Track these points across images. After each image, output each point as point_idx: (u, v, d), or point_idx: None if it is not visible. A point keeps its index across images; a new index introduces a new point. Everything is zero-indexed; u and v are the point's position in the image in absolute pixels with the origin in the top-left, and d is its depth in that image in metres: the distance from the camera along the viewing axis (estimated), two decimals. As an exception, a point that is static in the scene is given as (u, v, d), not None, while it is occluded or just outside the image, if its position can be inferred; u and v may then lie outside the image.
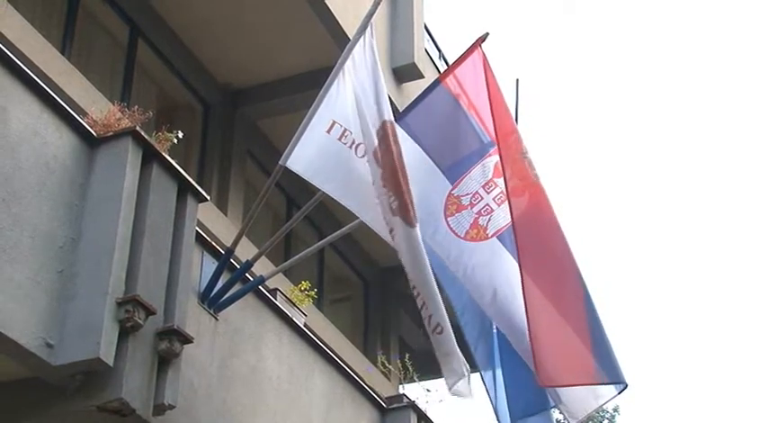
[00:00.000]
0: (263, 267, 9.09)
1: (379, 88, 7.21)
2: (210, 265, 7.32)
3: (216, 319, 7.24)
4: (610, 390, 7.28)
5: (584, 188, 49.32)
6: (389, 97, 7.45)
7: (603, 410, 23.27)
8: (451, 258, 7.66)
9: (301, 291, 10.52)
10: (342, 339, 14.36)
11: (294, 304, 9.65)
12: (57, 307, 5.89)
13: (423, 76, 14.63)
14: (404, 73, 14.68)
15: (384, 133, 6.93)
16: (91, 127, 6.54)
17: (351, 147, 7.15)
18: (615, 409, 23.98)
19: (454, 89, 7.92)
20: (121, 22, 12.30)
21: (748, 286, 50.96)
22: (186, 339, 6.41)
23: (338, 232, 8.22)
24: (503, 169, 7.49)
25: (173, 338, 6.30)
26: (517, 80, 9.06)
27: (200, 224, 7.37)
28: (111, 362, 5.84)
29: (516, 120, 8.18)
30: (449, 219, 7.79)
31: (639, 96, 53.61)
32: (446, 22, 18.19)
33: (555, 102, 46.87)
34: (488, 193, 7.82)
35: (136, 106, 7.12)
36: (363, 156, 7.12)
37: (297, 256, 9.07)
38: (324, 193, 7.19)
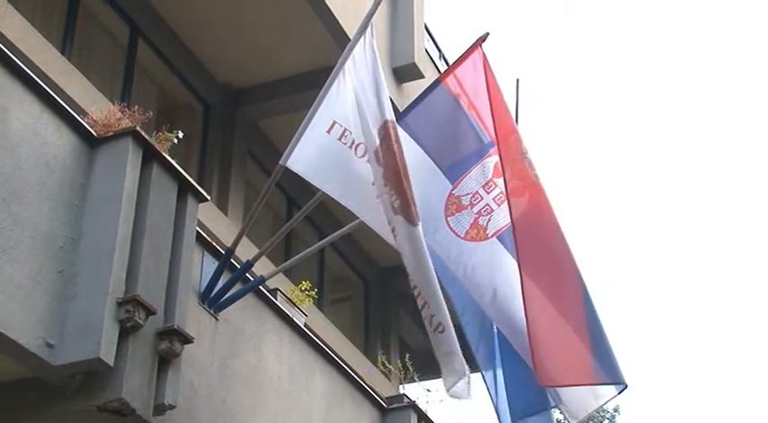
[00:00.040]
0: (263, 267, 9.09)
1: (380, 88, 7.21)
2: (211, 265, 7.32)
3: (216, 319, 7.24)
4: (610, 390, 7.28)
5: (584, 188, 49.34)
6: (390, 97, 7.45)
7: (604, 410, 23.26)
8: (451, 258, 7.66)
9: (302, 291, 10.52)
10: (342, 339, 14.36)
11: (294, 304, 9.65)
12: (57, 307, 5.89)
13: (423, 76, 14.63)
14: (404, 73, 14.68)
15: (386, 133, 6.92)
16: (91, 127, 6.54)
17: (351, 147, 7.15)
18: (615, 410, 23.97)
19: (454, 89, 7.92)
20: (122, 22, 12.30)
21: (748, 286, 50.98)
22: (186, 339, 6.41)
23: (338, 232, 8.22)
24: (502, 169, 7.49)
25: (173, 338, 6.30)
26: (517, 80, 9.07)
27: (200, 224, 7.37)
28: (111, 362, 5.84)
29: (516, 120, 8.18)
30: (449, 219, 7.79)
31: (639, 96, 53.64)
32: (446, 22, 18.19)
33: (555, 102, 46.89)
34: (488, 193, 7.82)
35: (136, 106, 7.12)
36: (363, 156, 7.12)
37: (297, 256, 9.07)
38: (324, 193, 7.19)
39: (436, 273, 6.67)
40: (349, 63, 7.31)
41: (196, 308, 7.01)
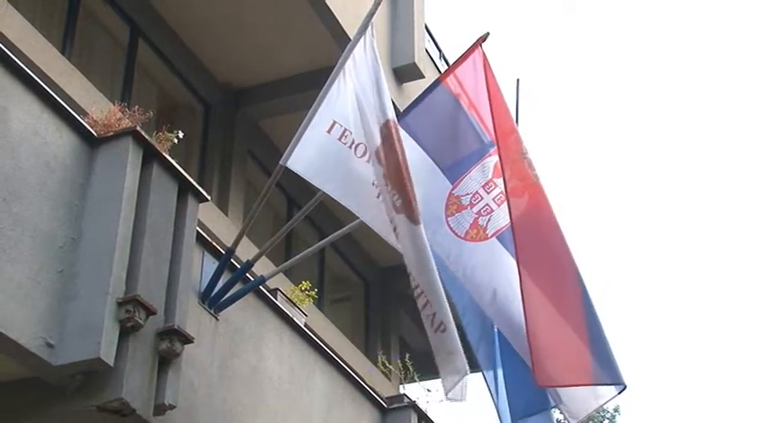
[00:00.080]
0: (263, 267, 9.09)
1: (381, 88, 7.21)
2: (211, 265, 7.32)
3: (216, 318, 7.24)
4: (610, 390, 7.28)
5: (584, 188, 49.34)
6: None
7: (604, 410, 23.27)
8: (451, 258, 7.66)
9: (302, 291, 10.51)
10: (342, 339, 14.36)
11: (295, 304, 9.65)
12: (57, 307, 5.89)
13: (423, 76, 14.63)
14: (404, 73, 14.68)
15: (387, 132, 6.92)
16: (91, 127, 6.54)
17: (351, 147, 7.15)
18: (616, 410, 23.99)
19: (455, 89, 7.92)
20: (122, 22, 12.30)
21: (748, 286, 50.98)
22: (187, 339, 6.40)
23: (339, 232, 8.22)
24: (502, 170, 7.50)
25: (173, 338, 6.30)
26: (517, 80, 9.07)
27: (200, 224, 7.37)
28: (111, 362, 5.84)
29: (516, 120, 8.19)
30: (449, 219, 7.79)
31: (639, 96, 53.64)
32: (446, 22, 18.20)
33: (555, 102, 46.89)
34: (488, 194, 7.82)
35: (136, 106, 7.12)
36: (363, 156, 7.12)
37: (297, 256, 9.07)
38: (324, 193, 7.19)
39: (438, 272, 6.66)
40: (349, 63, 7.31)
41: (196, 308, 7.01)
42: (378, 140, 6.94)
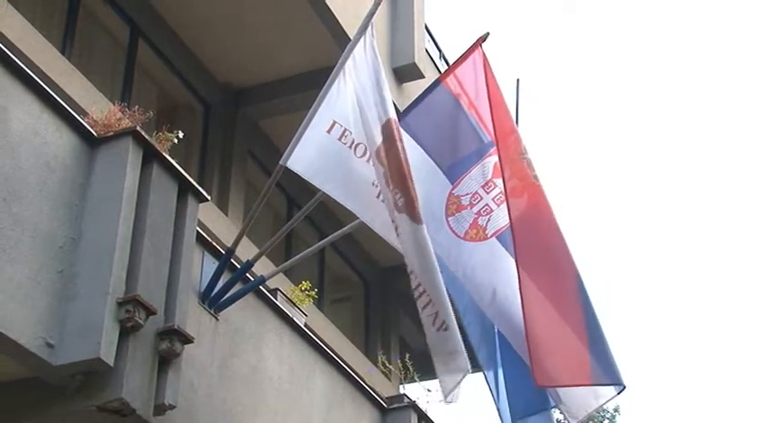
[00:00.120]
0: (263, 267, 9.09)
1: (382, 87, 7.21)
2: (211, 265, 7.32)
3: (216, 319, 7.24)
4: (609, 390, 7.29)
5: (584, 188, 49.34)
6: (390, 97, 7.44)
7: (604, 410, 23.27)
8: (451, 258, 7.66)
9: (302, 291, 10.52)
10: (342, 339, 14.36)
11: (295, 304, 9.65)
12: (57, 307, 5.89)
13: (423, 76, 14.63)
14: (404, 73, 14.68)
15: (388, 131, 6.93)
16: (91, 127, 6.54)
17: (351, 147, 7.15)
18: (616, 410, 23.99)
19: (455, 89, 7.93)
20: (122, 22, 12.30)
21: (748, 286, 50.98)
22: (187, 339, 6.40)
23: (339, 232, 8.22)
24: (501, 170, 7.50)
25: (173, 338, 6.30)
26: (517, 80, 9.08)
27: (200, 224, 7.37)
28: (111, 362, 5.84)
29: (516, 120, 8.19)
30: (449, 219, 7.79)
31: (639, 96, 53.64)
32: (446, 22, 18.19)
33: (555, 102, 46.89)
34: (488, 194, 7.82)
35: (136, 106, 7.12)
36: (363, 156, 7.12)
37: (297, 256, 9.07)
38: (324, 193, 7.19)
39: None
40: (349, 63, 7.31)
41: (196, 308, 7.01)
42: (379, 140, 6.94)
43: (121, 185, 6.31)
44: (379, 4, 7.47)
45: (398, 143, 6.85)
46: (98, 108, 7.26)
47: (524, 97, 9.01)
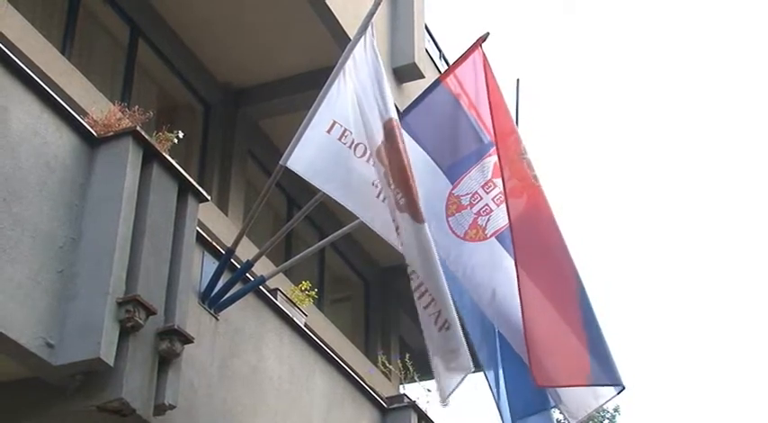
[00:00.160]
0: (263, 267, 9.09)
1: (382, 87, 7.21)
2: (211, 265, 7.32)
3: (216, 319, 7.24)
4: (609, 390, 7.29)
5: (584, 188, 49.34)
6: (390, 97, 7.44)
7: (604, 410, 23.27)
8: (451, 258, 7.66)
9: (302, 291, 10.52)
10: (342, 339, 14.36)
11: (295, 304, 9.65)
12: (57, 307, 5.89)
13: (423, 77, 14.63)
14: (404, 73, 14.68)
15: (389, 131, 6.93)
16: (91, 127, 6.54)
17: (350, 147, 7.15)
18: (616, 410, 23.99)
19: (455, 89, 7.93)
20: (122, 22, 12.30)
21: (748, 286, 50.98)
22: (187, 339, 6.40)
23: (339, 232, 8.22)
24: (501, 170, 7.50)
25: (173, 338, 6.30)
26: (517, 80, 9.07)
27: (200, 224, 7.37)
28: (111, 362, 5.84)
29: (516, 120, 8.18)
30: (449, 219, 7.80)
31: (639, 96, 53.64)
32: (446, 22, 18.19)
33: (555, 102, 46.88)
34: (487, 194, 7.82)
35: (136, 106, 7.12)
36: (363, 156, 7.12)
37: (297, 256, 9.07)
38: (324, 193, 7.19)
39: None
40: (349, 63, 7.31)
41: (196, 308, 7.01)
42: (379, 139, 6.95)
43: (121, 185, 6.31)
44: (379, 4, 7.47)
45: (400, 143, 6.86)
46: (98, 108, 7.26)
47: (524, 97, 9.01)
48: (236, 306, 7.42)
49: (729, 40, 52.99)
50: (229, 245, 7.46)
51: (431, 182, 7.70)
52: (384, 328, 16.92)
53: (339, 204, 7.16)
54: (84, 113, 6.88)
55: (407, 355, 11.59)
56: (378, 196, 7.09)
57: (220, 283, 7.27)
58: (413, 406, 9.68)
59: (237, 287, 7.43)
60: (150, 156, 6.63)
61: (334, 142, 7.11)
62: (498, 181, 7.67)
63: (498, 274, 7.65)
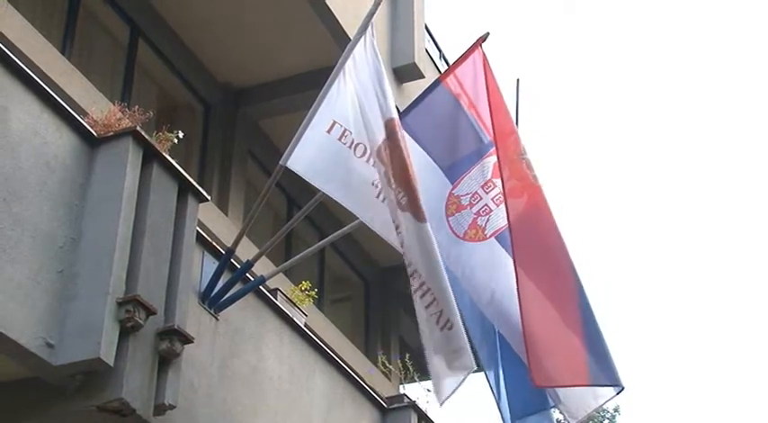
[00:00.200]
0: (263, 267, 9.10)
1: (383, 87, 7.21)
2: (211, 265, 7.32)
3: (216, 319, 7.24)
4: (609, 390, 7.29)
5: (584, 188, 49.34)
6: (390, 97, 7.44)
7: (604, 410, 23.27)
8: (451, 258, 7.66)
9: (302, 291, 10.52)
10: (342, 339, 14.36)
11: (295, 304, 9.65)
12: (57, 307, 5.89)
13: (423, 76, 14.63)
14: (404, 73, 14.69)
15: (390, 130, 6.93)
16: (91, 127, 6.54)
17: (350, 147, 7.15)
18: (616, 410, 23.99)
19: (455, 89, 7.93)
20: (122, 22, 12.30)
21: (748, 286, 50.98)
22: (187, 339, 6.41)
23: (339, 232, 8.22)
24: (500, 170, 7.50)
25: (173, 338, 6.30)
26: (517, 80, 9.07)
27: (200, 224, 7.37)
28: (111, 362, 5.84)
29: (516, 120, 8.18)
30: (449, 218, 7.79)
31: (639, 96, 53.64)
32: (446, 22, 18.19)
33: (555, 102, 46.88)
34: (487, 194, 7.82)
35: (136, 106, 7.12)
36: (363, 156, 7.12)
37: (297, 256, 9.07)
38: (324, 193, 7.19)
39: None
40: (349, 63, 7.31)
41: (196, 308, 7.01)
42: (380, 139, 6.94)
43: (121, 185, 6.31)
44: (379, 4, 7.47)
45: (401, 143, 6.86)
46: (98, 108, 7.26)
47: (524, 97, 9.01)
48: (236, 306, 7.42)
49: (729, 40, 53.01)
50: (229, 245, 7.46)
51: (431, 182, 7.69)
52: (384, 328, 16.93)
53: (339, 204, 7.16)
54: (84, 113, 6.88)
55: (407, 355, 11.60)
56: (378, 196, 7.09)
57: (220, 283, 7.27)
58: (413, 406, 9.68)
59: (237, 287, 7.43)
60: (150, 156, 6.63)
61: (334, 142, 7.11)
62: (498, 181, 7.67)
63: (498, 274, 7.65)
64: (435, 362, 6.41)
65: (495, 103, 7.64)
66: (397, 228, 6.67)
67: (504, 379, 7.91)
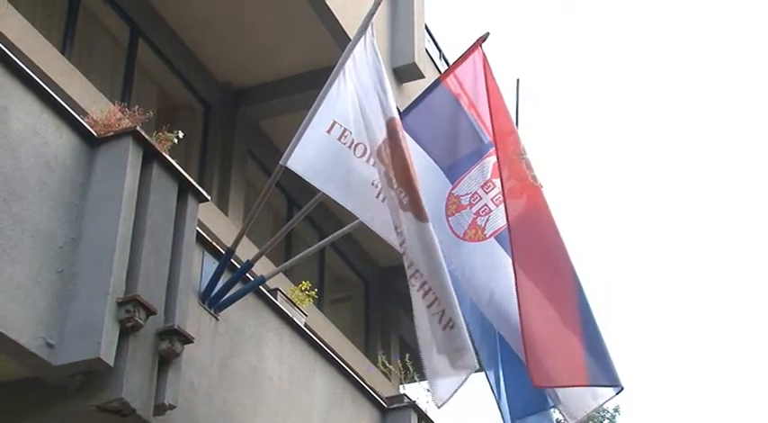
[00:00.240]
0: (263, 267, 9.10)
1: (384, 87, 7.21)
2: (211, 265, 7.33)
3: (216, 318, 7.24)
4: (608, 390, 7.30)
5: (583, 188, 49.34)
6: (390, 97, 7.44)
7: (604, 410, 23.27)
8: (451, 258, 7.66)
9: (302, 291, 10.52)
10: (342, 339, 14.37)
11: (294, 304, 9.65)
12: (57, 307, 5.89)
13: (423, 77, 14.63)
14: (404, 73, 14.68)
15: (391, 130, 6.93)
16: (91, 127, 6.54)
17: (350, 147, 7.15)
18: (616, 410, 23.99)
19: (455, 89, 7.93)
20: (122, 22, 12.30)
21: (748, 286, 50.98)
22: (187, 339, 6.41)
23: (338, 232, 8.22)
24: (500, 170, 7.50)
25: (173, 338, 6.30)
26: (517, 80, 9.07)
27: (200, 224, 7.38)
28: (111, 362, 5.84)
29: (516, 120, 8.19)
30: (449, 218, 7.79)
31: (639, 96, 53.64)
32: (446, 22, 18.19)
33: (555, 102, 46.88)
34: (487, 194, 7.82)
35: (136, 106, 7.12)
36: (363, 156, 7.12)
37: (297, 256, 9.07)
38: (324, 193, 7.19)
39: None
40: (349, 63, 7.31)
41: (196, 308, 7.01)
42: (380, 139, 6.94)
43: (121, 185, 6.31)
44: (379, 4, 7.47)
45: (402, 142, 6.86)
46: (98, 108, 7.26)
47: (524, 97, 9.01)
48: (236, 306, 7.42)
49: (729, 40, 53.01)
50: (229, 245, 7.46)
51: (431, 182, 7.69)
52: (384, 328, 16.93)
53: (339, 204, 7.16)
54: (84, 113, 6.88)
55: (407, 355, 11.58)
56: (377, 196, 7.09)
57: (220, 283, 7.27)
58: (413, 406, 9.68)
59: (237, 287, 7.44)
60: (150, 156, 6.63)
61: (334, 142, 7.12)
62: (497, 181, 7.67)
63: (497, 274, 7.65)
64: (437, 362, 6.42)
65: (495, 104, 7.64)
66: (396, 228, 6.67)
67: (504, 379, 7.91)
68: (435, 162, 7.86)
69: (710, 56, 53.67)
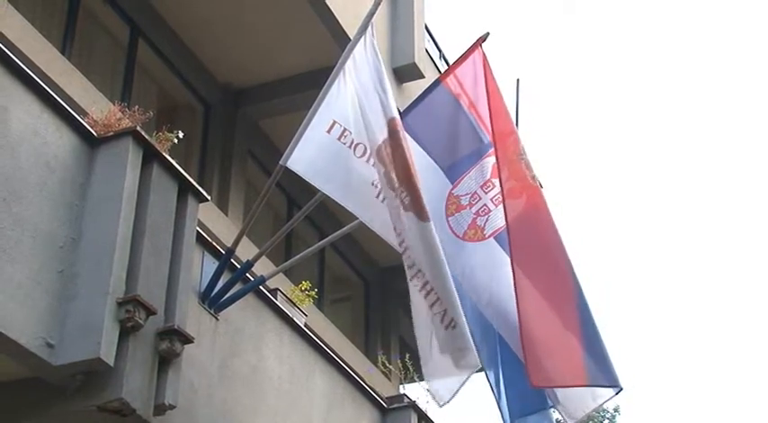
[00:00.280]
0: (263, 267, 9.10)
1: (384, 87, 7.22)
2: (211, 265, 7.33)
3: (216, 318, 7.24)
4: (608, 390, 7.30)
5: (583, 188, 49.34)
6: (390, 97, 7.44)
7: (604, 410, 23.29)
8: (451, 258, 7.65)
9: (302, 291, 10.52)
10: (342, 339, 14.37)
11: (295, 304, 9.65)
12: (57, 307, 5.89)
13: (423, 76, 14.63)
14: (404, 73, 14.68)
15: (392, 130, 6.93)
16: (91, 127, 6.55)
17: (350, 147, 7.15)
18: (616, 410, 24.00)
19: (455, 89, 7.93)
20: (122, 22, 12.30)
21: (748, 286, 50.98)
22: (187, 339, 6.41)
23: (339, 232, 8.22)
24: (499, 170, 7.50)
25: (173, 338, 6.30)
26: (518, 80, 9.07)
27: (200, 224, 7.38)
28: (111, 362, 5.84)
29: (516, 120, 8.19)
30: (449, 218, 7.79)
31: (639, 96, 53.64)
32: (446, 22, 18.19)
33: (555, 102, 46.88)
34: (486, 194, 7.82)
35: (136, 106, 7.12)
36: (363, 156, 7.12)
37: (297, 256, 9.07)
38: (324, 193, 7.19)
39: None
40: (349, 63, 7.31)
41: (196, 308, 7.01)
42: (380, 139, 6.94)
43: (121, 185, 6.31)
44: (379, 4, 7.47)
45: (403, 142, 6.86)
46: (98, 108, 7.26)
47: (524, 97, 9.01)
48: (236, 306, 7.42)
49: (729, 40, 53.01)
50: (229, 245, 7.46)
51: (431, 182, 7.69)
52: (384, 328, 16.93)
53: (339, 204, 7.16)
54: (84, 113, 6.88)
55: (407, 355, 11.58)
56: (377, 196, 7.09)
57: (220, 283, 7.27)
58: (413, 406, 9.68)
59: (237, 287, 7.44)
60: (150, 156, 6.63)
61: (334, 142, 7.12)
62: (497, 181, 7.67)
63: (497, 274, 7.65)
64: (439, 361, 6.41)
65: (495, 104, 7.64)
66: (396, 228, 6.67)
67: (504, 379, 7.91)
68: (435, 162, 7.86)
69: (710, 56, 53.70)
